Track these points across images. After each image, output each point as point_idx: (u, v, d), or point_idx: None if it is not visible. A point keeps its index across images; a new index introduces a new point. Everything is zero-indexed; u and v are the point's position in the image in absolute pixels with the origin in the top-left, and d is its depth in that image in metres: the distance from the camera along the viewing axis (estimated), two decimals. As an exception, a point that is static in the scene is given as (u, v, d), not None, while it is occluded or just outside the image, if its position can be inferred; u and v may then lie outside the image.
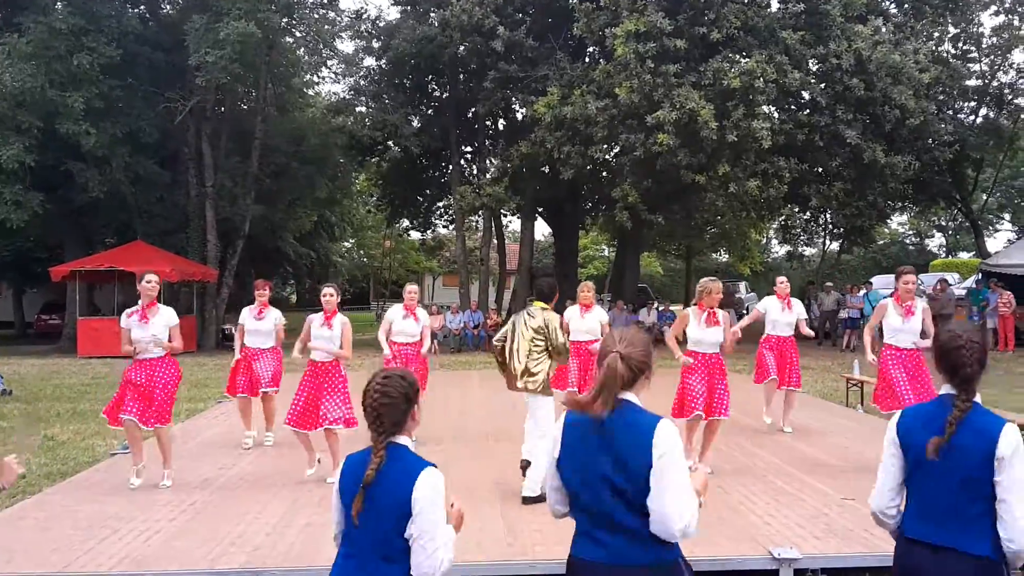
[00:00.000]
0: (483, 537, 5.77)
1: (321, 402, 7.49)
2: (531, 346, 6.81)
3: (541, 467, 6.46)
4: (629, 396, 2.66)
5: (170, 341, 7.30)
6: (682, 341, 7.88)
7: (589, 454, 2.64)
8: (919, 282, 9.17)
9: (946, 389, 2.92)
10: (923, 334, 7.56)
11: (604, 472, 2.60)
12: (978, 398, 2.89)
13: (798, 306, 9.90)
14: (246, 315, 9.17)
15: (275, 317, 9.15)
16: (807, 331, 10.11)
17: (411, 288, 9.62)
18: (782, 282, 9.97)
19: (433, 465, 2.72)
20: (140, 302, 7.26)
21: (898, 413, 3.04)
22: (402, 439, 2.75)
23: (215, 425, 10.62)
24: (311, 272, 47.32)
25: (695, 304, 7.81)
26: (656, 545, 2.59)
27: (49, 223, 24.75)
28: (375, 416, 2.70)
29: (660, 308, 26.49)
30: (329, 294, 7.87)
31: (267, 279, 10.00)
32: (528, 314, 6.94)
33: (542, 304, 6.96)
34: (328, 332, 7.69)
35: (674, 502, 2.52)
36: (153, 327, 7.19)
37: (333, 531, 2.88)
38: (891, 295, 7.96)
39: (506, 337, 7.03)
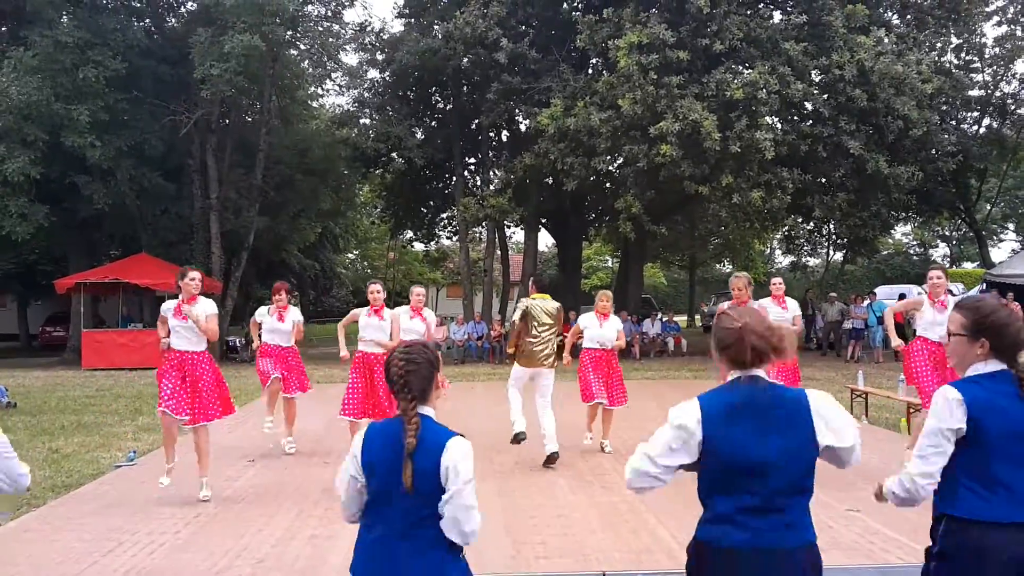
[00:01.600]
0: (486, 549, 5.76)
1: (376, 392, 7.89)
2: (548, 329, 8.56)
3: (551, 423, 8.52)
4: (759, 373, 2.67)
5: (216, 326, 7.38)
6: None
7: (743, 428, 2.57)
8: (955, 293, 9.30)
9: (987, 366, 2.83)
10: None
11: (763, 445, 2.55)
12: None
13: (793, 304, 9.80)
14: (264, 314, 9.50)
15: (295, 318, 9.50)
16: (799, 325, 9.96)
17: (418, 290, 9.75)
18: (777, 283, 9.92)
19: (459, 434, 2.74)
20: (180, 296, 7.30)
21: (953, 391, 2.78)
22: (427, 409, 2.78)
23: (220, 437, 10.62)
24: (315, 284, 47.35)
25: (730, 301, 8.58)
26: (804, 529, 2.59)
27: (54, 235, 24.83)
28: (403, 383, 2.74)
29: (664, 319, 26.47)
30: (375, 290, 8.44)
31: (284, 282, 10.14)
32: (539, 302, 8.62)
33: (544, 295, 8.75)
34: (379, 322, 8.16)
35: None
36: (203, 316, 7.27)
37: (347, 511, 2.86)
38: (926, 294, 8.05)
39: (525, 320, 8.56)
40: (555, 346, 8.69)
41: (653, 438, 2.68)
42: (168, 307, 7.32)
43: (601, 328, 9.29)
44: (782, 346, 2.63)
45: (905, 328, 15.58)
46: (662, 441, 2.65)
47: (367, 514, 2.80)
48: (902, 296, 21.66)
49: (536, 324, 8.55)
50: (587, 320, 9.40)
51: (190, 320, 7.13)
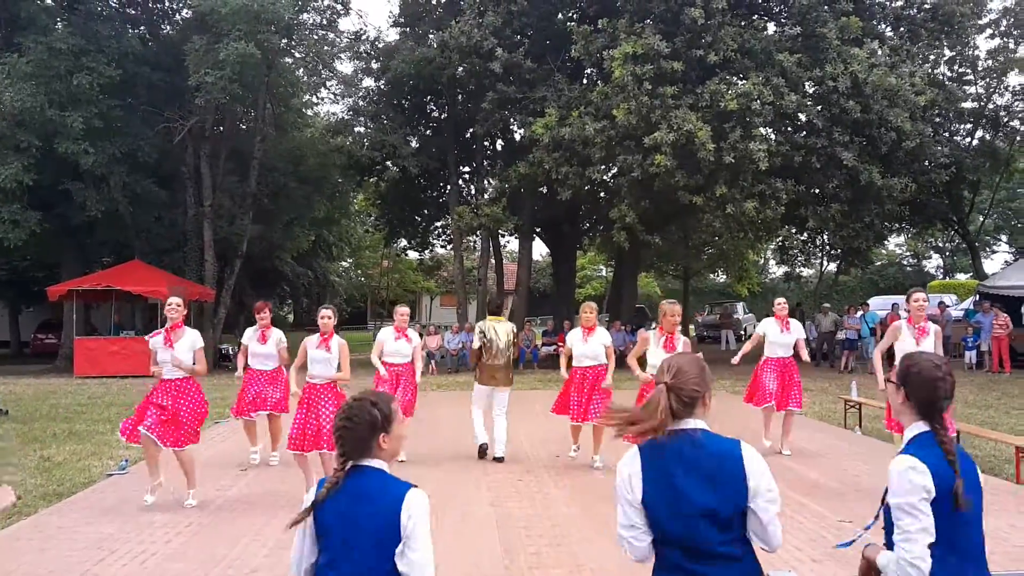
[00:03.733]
0: (480, 560, 5.75)
1: (320, 424, 7.47)
2: (506, 349, 9.33)
3: (504, 430, 9.38)
4: (693, 423, 2.64)
5: (194, 363, 7.35)
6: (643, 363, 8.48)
7: (676, 484, 2.58)
8: (947, 304, 9.26)
9: (918, 427, 2.75)
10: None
11: (695, 499, 2.56)
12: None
13: (797, 327, 9.89)
14: (250, 336, 9.26)
15: (277, 339, 9.19)
16: (804, 355, 10.06)
17: (402, 310, 9.59)
18: (780, 304, 9.99)
19: (413, 485, 2.67)
20: (166, 324, 7.35)
21: (918, 463, 2.62)
22: (375, 463, 2.68)
23: (213, 446, 10.58)
24: (308, 292, 47.33)
25: (656, 327, 8.42)
26: (743, 564, 2.59)
27: (46, 242, 24.74)
28: (336, 437, 2.68)
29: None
30: (326, 316, 7.85)
31: (266, 300, 10.01)
32: (493, 324, 9.50)
33: (499, 317, 9.73)
34: (325, 354, 7.69)
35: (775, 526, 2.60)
36: (178, 350, 7.25)
37: (294, 569, 2.72)
38: (906, 319, 7.90)
39: (485, 344, 9.39)
40: (511, 363, 9.53)
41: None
42: (157, 342, 7.34)
43: (585, 344, 8.91)
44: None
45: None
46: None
47: (322, 567, 2.66)
48: (894, 306, 21.73)
49: (494, 345, 9.34)
50: (572, 337, 9.06)
51: (172, 365, 7.22)
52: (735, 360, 10.24)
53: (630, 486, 2.64)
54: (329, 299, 46.80)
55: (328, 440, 7.46)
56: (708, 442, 2.62)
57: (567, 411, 9.05)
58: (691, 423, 2.63)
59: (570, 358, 9.30)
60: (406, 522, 2.57)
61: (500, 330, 9.46)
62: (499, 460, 9.31)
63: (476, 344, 9.55)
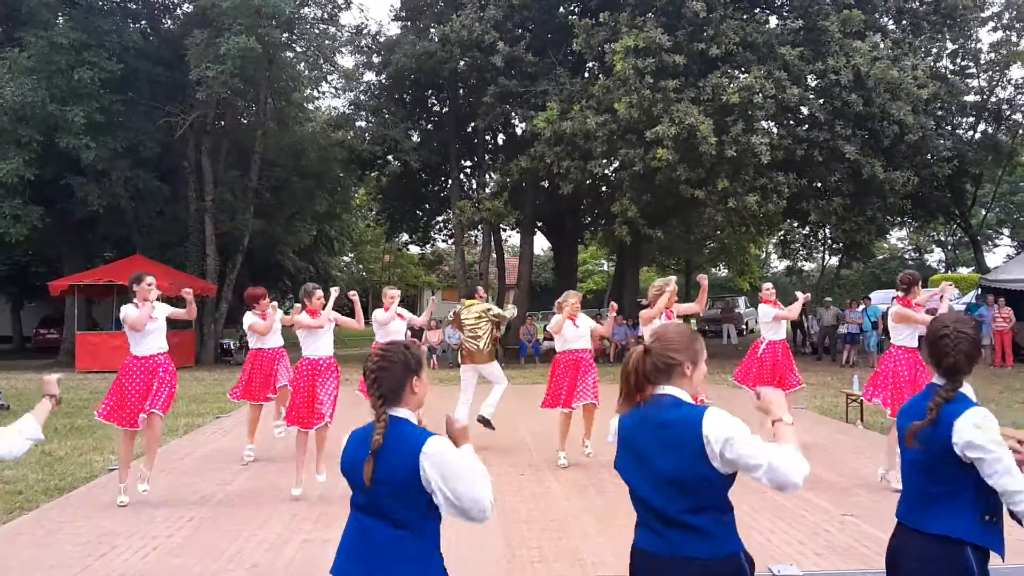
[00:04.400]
0: (481, 555, 5.75)
1: (317, 398, 7.55)
2: (482, 326, 9.84)
3: (497, 396, 9.82)
4: (669, 389, 2.67)
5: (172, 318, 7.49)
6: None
7: (640, 448, 2.68)
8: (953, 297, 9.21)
9: (936, 379, 2.96)
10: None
11: (657, 465, 2.61)
12: (969, 391, 2.91)
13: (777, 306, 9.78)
14: (251, 317, 8.99)
15: (278, 316, 9.10)
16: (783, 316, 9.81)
17: (391, 292, 9.65)
18: (768, 288, 9.92)
19: (435, 434, 2.69)
20: (135, 300, 7.38)
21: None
22: (402, 411, 2.72)
23: (213, 440, 10.59)
24: (310, 286, 47.22)
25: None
26: (713, 539, 2.58)
27: (48, 237, 24.76)
28: (372, 381, 2.70)
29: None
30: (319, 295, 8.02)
31: (264, 289, 9.79)
32: (465, 308, 10.07)
33: (472, 301, 10.20)
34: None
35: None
36: (158, 316, 7.37)
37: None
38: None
39: (456, 322, 10.11)
40: (490, 342, 10.02)
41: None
42: (133, 313, 7.33)
43: (576, 327, 8.88)
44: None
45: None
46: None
47: (353, 506, 2.77)
48: (894, 300, 21.64)
49: (468, 326, 9.90)
50: (562, 325, 8.95)
51: (159, 318, 7.36)
52: (788, 312, 9.85)
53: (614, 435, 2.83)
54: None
55: (324, 413, 7.52)
56: (674, 408, 2.63)
57: (556, 403, 8.91)
58: (666, 389, 2.66)
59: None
60: (425, 461, 2.59)
61: (472, 310, 10.00)
62: (482, 421, 9.65)
63: (450, 318, 10.53)
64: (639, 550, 2.70)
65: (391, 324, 9.33)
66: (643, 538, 2.69)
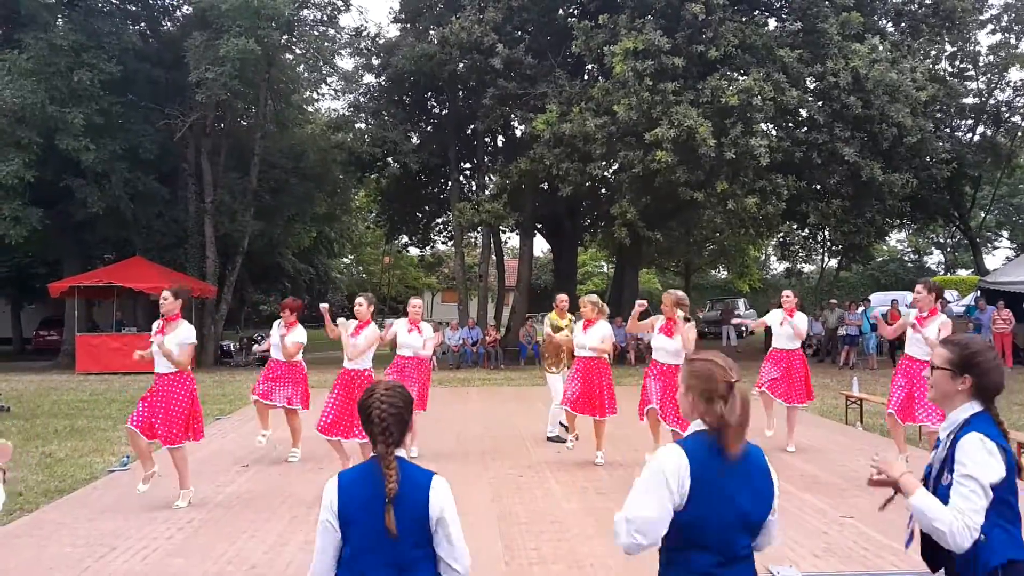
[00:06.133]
0: (480, 557, 5.75)
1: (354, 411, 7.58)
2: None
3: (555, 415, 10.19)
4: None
5: (179, 356, 7.21)
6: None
7: (725, 490, 2.53)
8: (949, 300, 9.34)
9: (971, 408, 2.84)
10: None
11: (744, 510, 2.55)
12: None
13: (800, 318, 9.75)
14: (276, 329, 9.44)
15: (294, 338, 9.22)
16: (800, 330, 9.85)
17: (415, 302, 9.63)
18: (787, 296, 9.90)
19: (434, 473, 2.74)
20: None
21: (995, 446, 2.73)
22: (399, 451, 2.73)
23: (213, 443, 10.59)
24: (310, 288, 47.22)
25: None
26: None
27: (48, 239, 24.76)
28: (384, 428, 2.66)
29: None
30: (359, 303, 8.15)
31: (296, 297, 10.08)
32: (555, 320, 10.18)
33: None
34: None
35: None
36: (167, 339, 7.17)
37: (317, 567, 2.70)
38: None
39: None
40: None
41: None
42: (154, 327, 7.37)
43: (585, 335, 8.96)
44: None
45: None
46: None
47: (349, 566, 2.66)
48: (894, 302, 21.69)
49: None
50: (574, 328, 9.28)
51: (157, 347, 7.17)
52: (753, 324, 10.64)
53: (679, 479, 2.49)
54: (331, 295, 46.80)
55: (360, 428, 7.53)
56: (747, 447, 2.61)
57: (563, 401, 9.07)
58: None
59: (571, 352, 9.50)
60: (435, 511, 2.63)
61: (561, 323, 10.33)
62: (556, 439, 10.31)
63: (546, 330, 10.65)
64: None
65: (410, 338, 9.23)
66: None
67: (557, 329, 10.06)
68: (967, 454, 2.71)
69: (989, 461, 2.69)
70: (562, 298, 10.32)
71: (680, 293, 8.44)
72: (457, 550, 2.66)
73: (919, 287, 7.83)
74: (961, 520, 2.61)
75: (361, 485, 2.67)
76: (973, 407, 2.83)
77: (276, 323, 9.51)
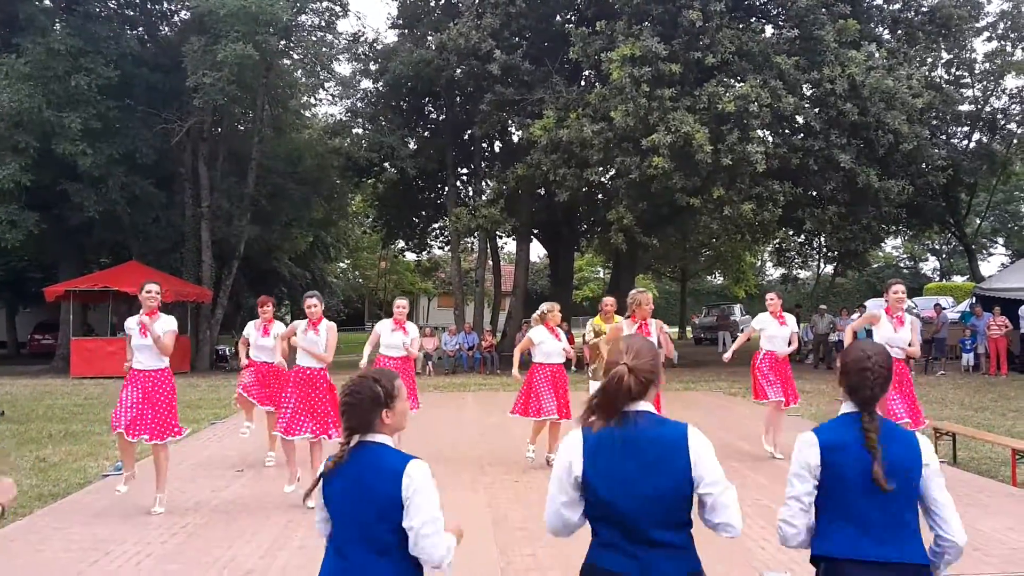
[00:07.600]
0: (475, 562, 5.74)
1: (314, 409, 7.54)
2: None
3: None
4: (643, 406, 2.64)
5: (167, 340, 7.11)
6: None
7: (618, 466, 2.59)
8: (914, 305, 9.37)
9: (846, 407, 2.99)
10: (911, 344, 7.72)
11: (638, 484, 2.56)
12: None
13: (791, 320, 9.81)
14: (251, 329, 9.32)
15: (278, 332, 9.12)
16: (794, 343, 9.94)
17: (400, 302, 9.45)
18: (771, 299, 9.91)
19: (415, 457, 2.74)
20: (142, 310, 7.23)
21: (813, 438, 2.96)
22: (379, 437, 2.76)
23: (208, 447, 10.58)
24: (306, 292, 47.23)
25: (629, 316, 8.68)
26: (687, 554, 2.60)
27: (44, 243, 24.73)
28: (341, 412, 2.78)
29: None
30: (312, 304, 7.85)
31: (268, 295, 10.04)
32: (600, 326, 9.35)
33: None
34: (315, 337, 7.73)
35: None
36: (158, 329, 7.08)
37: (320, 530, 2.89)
38: (884, 308, 7.96)
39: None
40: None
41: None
42: (132, 324, 7.21)
43: (558, 340, 9.07)
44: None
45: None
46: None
47: (332, 538, 2.80)
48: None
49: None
50: (540, 335, 9.09)
51: (150, 337, 7.03)
52: (727, 356, 10.22)
53: (569, 468, 2.65)
54: (327, 300, 46.72)
55: (317, 426, 7.49)
56: (654, 426, 2.62)
57: (536, 412, 8.98)
58: (641, 405, 2.64)
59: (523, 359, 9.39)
60: (407, 492, 2.65)
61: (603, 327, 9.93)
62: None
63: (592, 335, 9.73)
64: (605, 570, 2.66)
65: (394, 337, 9.03)
66: (609, 559, 2.64)
67: (602, 335, 9.45)
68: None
69: (799, 453, 2.96)
70: (609, 301, 9.56)
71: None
72: (425, 538, 2.63)
73: (900, 287, 7.86)
74: (780, 514, 2.97)
75: (337, 472, 2.74)
76: (847, 407, 3.01)
77: (253, 324, 9.37)
